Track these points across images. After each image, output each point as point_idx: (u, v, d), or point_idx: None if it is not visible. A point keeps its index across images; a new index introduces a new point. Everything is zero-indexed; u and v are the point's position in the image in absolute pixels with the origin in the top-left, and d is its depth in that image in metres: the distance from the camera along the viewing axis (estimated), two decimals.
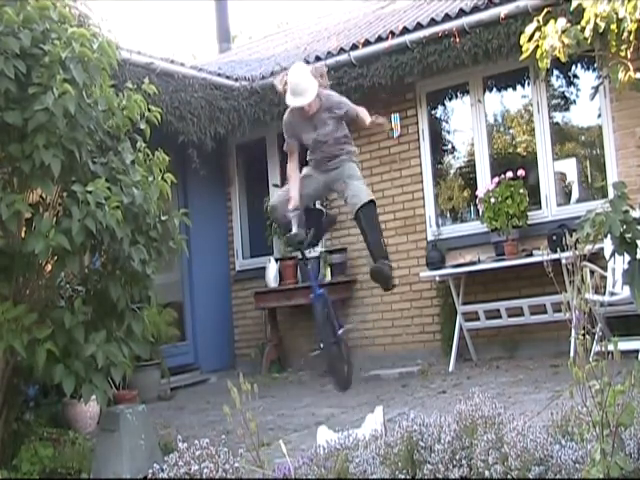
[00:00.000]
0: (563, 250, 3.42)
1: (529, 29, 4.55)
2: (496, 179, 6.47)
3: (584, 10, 4.49)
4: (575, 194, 6.80)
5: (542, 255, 4.95)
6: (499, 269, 6.28)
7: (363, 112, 5.05)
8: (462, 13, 6.29)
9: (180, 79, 6.93)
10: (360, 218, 4.82)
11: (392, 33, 6.71)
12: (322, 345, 4.71)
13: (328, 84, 5.17)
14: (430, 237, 7.00)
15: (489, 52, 6.18)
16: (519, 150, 7.27)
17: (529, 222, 6.34)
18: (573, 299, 2.24)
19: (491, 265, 6.28)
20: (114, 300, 3.64)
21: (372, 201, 4.84)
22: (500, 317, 6.17)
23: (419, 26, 6.54)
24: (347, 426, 3.57)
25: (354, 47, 6.96)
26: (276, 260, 7.81)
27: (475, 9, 6.23)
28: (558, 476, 2.27)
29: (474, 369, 6.16)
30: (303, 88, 4.76)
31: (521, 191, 6.29)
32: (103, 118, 3.66)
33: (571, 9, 4.95)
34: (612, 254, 3.07)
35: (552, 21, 4.48)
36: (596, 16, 4.37)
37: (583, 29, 4.43)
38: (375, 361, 7.11)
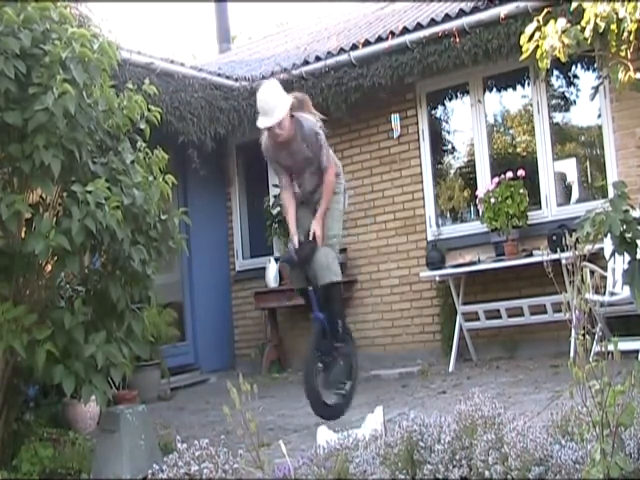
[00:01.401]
0: (563, 250, 3.41)
1: (529, 29, 4.54)
2: (496, 179, 6.47)
3: (584, 10, 4.49)
4: (575, 194, 6.80)
5: (542, 255, 4.94)
6: (499, 269, 6.28)
7: (328, 181, 4.55)
8: (462, 13, 6.29)
9: (180, 79, 6.93)
10: (322, 294, 4.54)
11: (392, 33, 6.71)
12: (304, 370, 4.42)
13: (315, 114, 4.66)
14: (430, 237, 7.00)
15: (489, 52, 6.18)
16: (519, 150, 7.27)
17: (529, 222, 6.34)
18: (573, 299, 2.24)
19: (491, 265, 6.28)
20: (114, 300, 3.63)
21: (334, 282, 4.48)
22: (500, 317, 6.17)
23: (419, 26, 6.54)
24: (347, 426, 3.58)
25: (354, 47, 6.96)
26: (276, 260, 7.81)
27: (475, 9, 6.24)
28: (558, 476, 2.27)
29: (474, 369, 6.16)
30: (271, 106, 4.31)
31: (521, 191, 6.29)
32: (103, 118, 3.66)
33: (571, 9, 4.95)
34: (612, 254, 3.07)
35: (552, 21, 4.48)
36: (596, 16, 4.37)
37: (583, 29, 4.42)
38: (375, 361, 7.10)
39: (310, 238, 4.50)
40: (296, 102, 4.52)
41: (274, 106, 4.32)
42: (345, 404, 4.59)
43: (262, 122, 4.37)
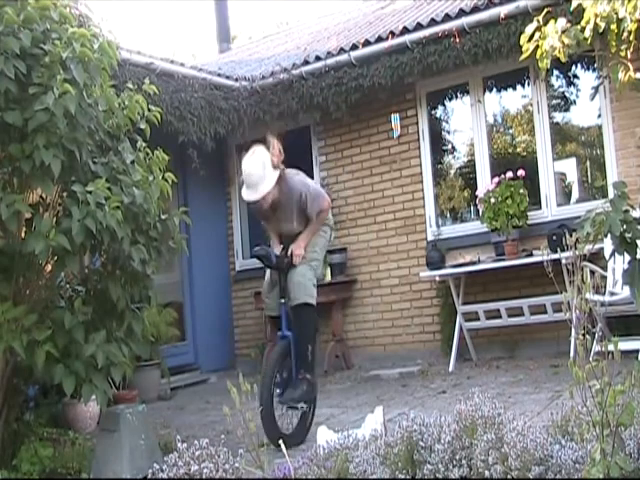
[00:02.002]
0: (563, 250, 3.42)
1: (529, 29, 4.54)
2: (496, 179, 6.47)
3: (584, 10, 4.49)
4: (575, 194, 6.80)
5: (542, 255, 4.94)
6: (499, 269, 6.28)
7: (318, 221, 4.40)
8: (462, 13, 6.29)
9: (180, 79, 6.93)
10: (292, 318, 4.25)
11: (392, 33, 6.71)
12: (260, 400, 3.93)
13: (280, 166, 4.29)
14: (430, 237, 7.00)
15: (489, 52, 6.18)
16: (519, 150, 7.27)
17: (529, 222, 6.34)
18: (573, 299, 2.24)
19: (491, 265, 6.28)
20: (114, 300, 3.64)
21: (308, 304, 4.20)
22: (500, 317, 6.17)
23: (419, 26, 6.54)
24: (347, 426, 3.58)
25: (354, 47, 6.96)
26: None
27: (475, 9, 6.23)
28: (558, 476, 2.27)
29: (474, 369, 6.16)
30: (256, 181, 4.17)
31: (521, 191, 6.29)
32: (103, 118, 3.66)
33: (571, 9, 4.95)
34: (612, 254, 3.07)
35: (552, 21, 4.48)
36: (596, 16, 4.37)
37: (583, 29, 4.43)
38: (375, 361, 7.11)
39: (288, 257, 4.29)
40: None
41: (259, 180, 4.17)
42: (302, 435, 4.19)
43: (247, 195, 4.27)
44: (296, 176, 4.42)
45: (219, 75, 7.62)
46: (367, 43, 6.88)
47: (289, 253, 4.32)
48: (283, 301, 4.26)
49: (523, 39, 4.60)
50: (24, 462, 3.72)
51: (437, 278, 6.60)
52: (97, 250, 3.74)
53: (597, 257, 5.40)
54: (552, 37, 4.42)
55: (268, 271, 4.44)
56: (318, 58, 7.17)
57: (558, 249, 4.54)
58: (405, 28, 6.65)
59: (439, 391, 5.37)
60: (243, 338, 8.30)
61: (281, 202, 4.32)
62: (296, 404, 4.16)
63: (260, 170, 4.19)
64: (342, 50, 7.03)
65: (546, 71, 4.76)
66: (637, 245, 2.97)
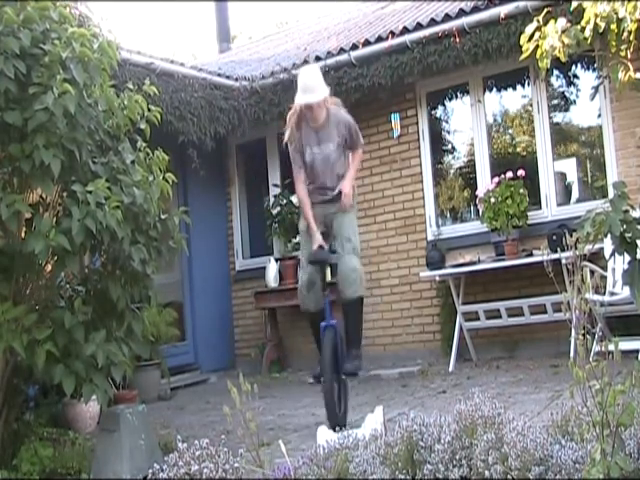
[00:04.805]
0: (563, 250, 3.42)
1: (529, 29, 4.55)
2: (496, 179, 6.47)
3: (584, 10, 4.49)
4: (575, 194, 6.80)
5: (542, 255, 4.95)
6: (499, 269, 6.28)
7: (358, 156, 4.63)
8: (462, 13, 6.29)
9: (180, 79, 6.93)
10: (346, 308, 4.41)
11: (392, 33, 6.71)
12: (322, 379, 4.30)
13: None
14: (430, 237, 7.00)
15: (489, 52, 6.18)
16: (519, 150, 7.27)
17: (529, 222, 6.34)
18: (573, 299, 2.24)
19: (491, 265, 6.28)
20: (114, 300, 3.63)
21: (362, 297, 4.45)
22: (500, 317, 6.17)
23: (419, 26, 6.54)
24: (347, 426, 3.58)
25: (354, 47, 6.96)
26: (276, 260, 7.82)
27: (475, 9, 6.24)
28: (558, 476, 2.27)
29: (474, 369, 6.16)
30: (315, 85, 4.34)
31: (521, 191, 6.29)
32: (103, 118, 3.66)
33: (571, 9, 4.95)
34: (612, 254, 3.07)
35: (552, 21, 4.49)
36: (596, 16, 4.37)
37: (583, 29, 4.43)
38: (375, 361, 7.10)
39: (336, 192, 4.48)
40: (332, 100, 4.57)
41: (318, 85, 4.36)
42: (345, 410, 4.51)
43: (304, 99, 4.32)
44: (342, 109, 4.60)
45: (219, 75, 7.62)
46: (367, 43, 6.89)
47: (337, 191, 4.47)
48: (327, 293, 4.41)
49: (523, 39, 4.60)
50: (24, 462, 3.72)
51: (437, 278, 6.60)
52: (97, 250, 3.74)
53: (597, 257, 5.40)
54: (552, 37, 4.42)
55: (306, 269, 4.47)
56: (318, 58, 7.17)
57: (558, 249, 4.55)
58: (405, 28, 6.65)
59: (439, 391, 5.37)
60: (243, 338, 8.30)
61: (328, 127, 4.47)
62: (359, 371, 4.49)
63: (318, 76, 4.42)
64: (342, 50, 7.04)
65: (546, 71, 4.76)
66: (637, 245, 2.97)
